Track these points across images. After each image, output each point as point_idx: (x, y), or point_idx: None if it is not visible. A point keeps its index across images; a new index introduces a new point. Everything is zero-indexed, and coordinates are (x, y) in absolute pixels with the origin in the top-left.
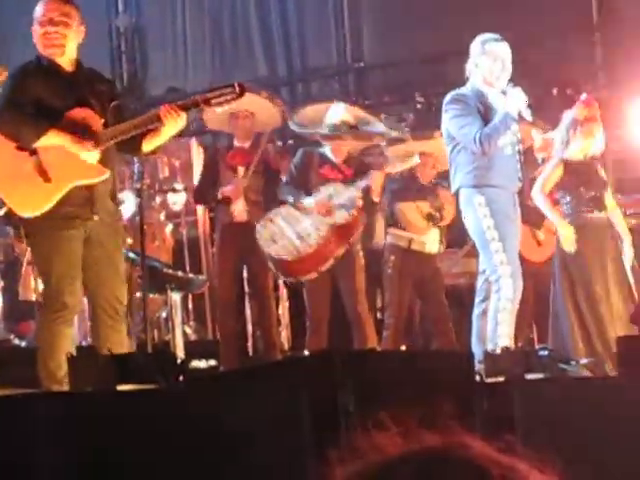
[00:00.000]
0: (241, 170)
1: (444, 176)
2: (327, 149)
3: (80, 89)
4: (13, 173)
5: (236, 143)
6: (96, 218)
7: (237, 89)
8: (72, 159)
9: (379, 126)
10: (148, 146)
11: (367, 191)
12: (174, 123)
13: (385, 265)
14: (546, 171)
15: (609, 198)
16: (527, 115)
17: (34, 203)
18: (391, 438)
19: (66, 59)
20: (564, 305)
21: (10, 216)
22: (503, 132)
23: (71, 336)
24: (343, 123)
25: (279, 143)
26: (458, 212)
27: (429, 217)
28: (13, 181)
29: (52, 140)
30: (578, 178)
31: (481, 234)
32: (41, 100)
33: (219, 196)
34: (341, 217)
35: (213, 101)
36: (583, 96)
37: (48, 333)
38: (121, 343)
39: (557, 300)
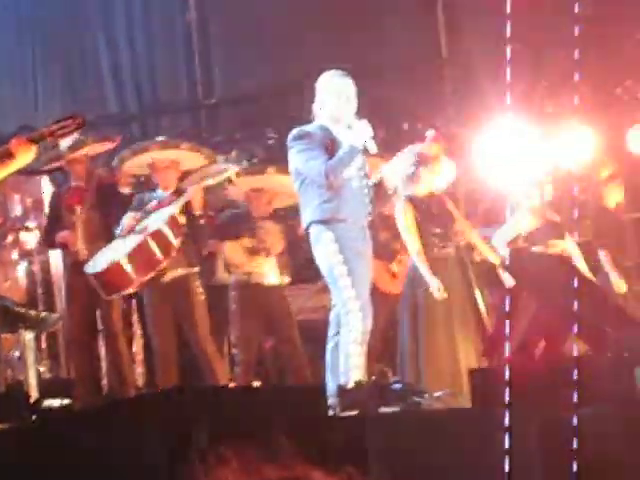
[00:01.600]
0: (78, 209)
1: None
2: (157, 183)
3: None
4: None
5: (72, 183)
6: None
7: (77, 120)
8: None
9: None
10: None
11: (189, 208)
12: (24, 156)
13: (230, 301)
14: (402, 219)
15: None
16: (372, 148)
17: None
18: (233, 473)
19: None
20: (407, 337)
21: None
22: (348, 164)
23: None
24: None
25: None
26: (305, 247)
27: (252, 251)
28: None
29: None
30: (422, 214)
31: (330, 270)
32: None
33: (57, 241)
34: (155, 226)
35: (57, 133)
36: (430, 133)
37: None
38: None
39: (402, 332)
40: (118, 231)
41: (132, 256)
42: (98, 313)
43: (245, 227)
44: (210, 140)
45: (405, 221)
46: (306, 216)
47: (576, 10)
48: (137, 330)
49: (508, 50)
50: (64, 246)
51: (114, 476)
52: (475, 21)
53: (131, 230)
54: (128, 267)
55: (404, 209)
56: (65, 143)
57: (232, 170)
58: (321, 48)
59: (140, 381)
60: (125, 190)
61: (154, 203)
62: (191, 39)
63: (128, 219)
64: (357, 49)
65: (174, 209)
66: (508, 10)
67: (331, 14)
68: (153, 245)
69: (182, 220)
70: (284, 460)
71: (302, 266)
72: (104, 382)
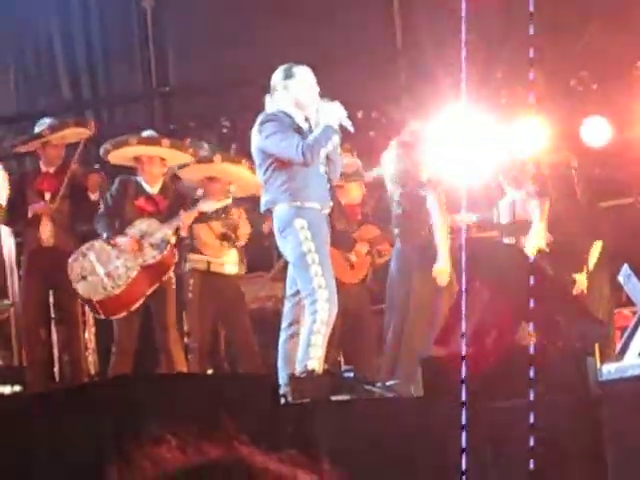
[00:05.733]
0: (47, 195)
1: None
2: (142, 178)
3: None
4: None
5: (43, 168)
6: None
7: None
8: None
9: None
10: None
11: (177, 228)
12: None
13: (186, 290)
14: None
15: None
16: (348, 125)
17: None
18: (171, 451)
19: None
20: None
21: None
22: (324, 144)
23: None
24: None
25: (97, 166)
26: (260, 235)
27: (223, 237)
28: None
29: None
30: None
31: (301, 257)
32: None
33: (29, 214)
34: (152, 256)
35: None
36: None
37: None
38: None
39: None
40: (104, 235)
41: (126, 291)
42: (52, 300)
43: (217, 213)
44: (164, 128)
45: (441, 208)
46: (270, 199)
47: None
48: (89, 318)
49: (463, 41)
50: (35, 222)
51: (63, 461)
52: (430, 10)
53: (130, 249)
54: (121, 300)
55: (439, 197)
56: (41, 125)
57: (229, 200)
58: (275, 37)
59: (92, 369)
60: (93, 196)
61: (141, 202)
62: (146, 26)
63: (126, 239)
64: (311, 38)
65: (169, 231)
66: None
67: (286, 3)
68: (147, 276)
69: (172, 240)
70: (226, 442)
71: (257, 254)
72: (55, 369)
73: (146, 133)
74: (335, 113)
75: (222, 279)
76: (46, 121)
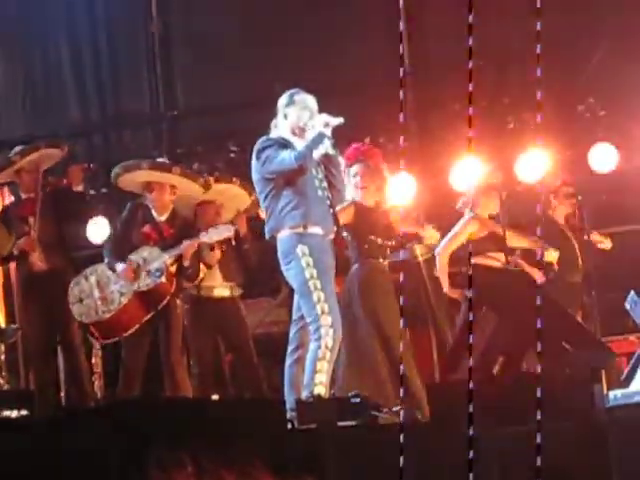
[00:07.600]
0: (31, 220)
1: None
2: (151, 205)
3: None
4: None
5: (22, 195)
6: None
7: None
8: None
9: None
10: None
11: (179, 257)
12: None
13: (184, 315)
14: None
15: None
16: (335, 121)
17: None
18: (188, 477)
19: None
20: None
21: None
22: (315, 147)
23: None
24: None
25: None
26: (271, 260)
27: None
28: None
29: None
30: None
31: (304, 284)
32: None
33: (14, 252)
34: (145, 284)
35: None
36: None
37: None
38: None
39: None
40: (106, 261)
41: (116, 317)
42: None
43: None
44: (171, 152)
45: None
46: (272, 226)
47: (538, 27)
48: (96, 342)
49: (470, 64)
50: (24, 254)
51: None
52: (439, 37)
53: (125, 276)
54: (112, 324)
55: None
56: (14, 150)
57: (229, 231)
58: (284, 62)
59: (99, 394)
60: (78, 187)
61: (147, 229)
62: (154, 50)
63: (123, 266)
64: (321, 63)
65: (167, 260)
66: (470, 22)
67: (293, 29)
68: (141, 303)
69: (172, 268)
70: (240, 467)
71: (263, 280)
72: (62, 394)
73: (158, 160)
74: (323, 119)
75: (216, 303)
76: (19, 148)
